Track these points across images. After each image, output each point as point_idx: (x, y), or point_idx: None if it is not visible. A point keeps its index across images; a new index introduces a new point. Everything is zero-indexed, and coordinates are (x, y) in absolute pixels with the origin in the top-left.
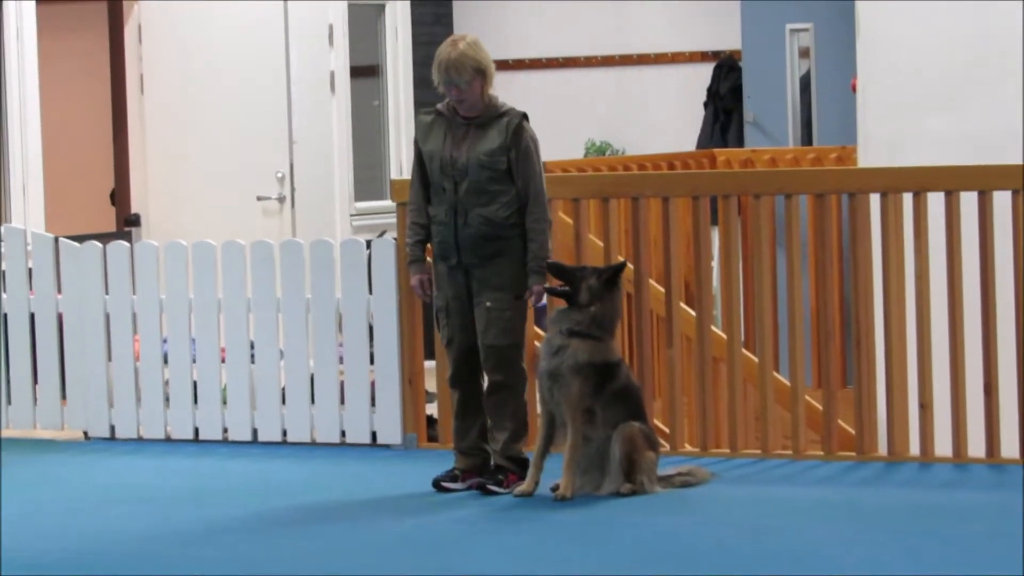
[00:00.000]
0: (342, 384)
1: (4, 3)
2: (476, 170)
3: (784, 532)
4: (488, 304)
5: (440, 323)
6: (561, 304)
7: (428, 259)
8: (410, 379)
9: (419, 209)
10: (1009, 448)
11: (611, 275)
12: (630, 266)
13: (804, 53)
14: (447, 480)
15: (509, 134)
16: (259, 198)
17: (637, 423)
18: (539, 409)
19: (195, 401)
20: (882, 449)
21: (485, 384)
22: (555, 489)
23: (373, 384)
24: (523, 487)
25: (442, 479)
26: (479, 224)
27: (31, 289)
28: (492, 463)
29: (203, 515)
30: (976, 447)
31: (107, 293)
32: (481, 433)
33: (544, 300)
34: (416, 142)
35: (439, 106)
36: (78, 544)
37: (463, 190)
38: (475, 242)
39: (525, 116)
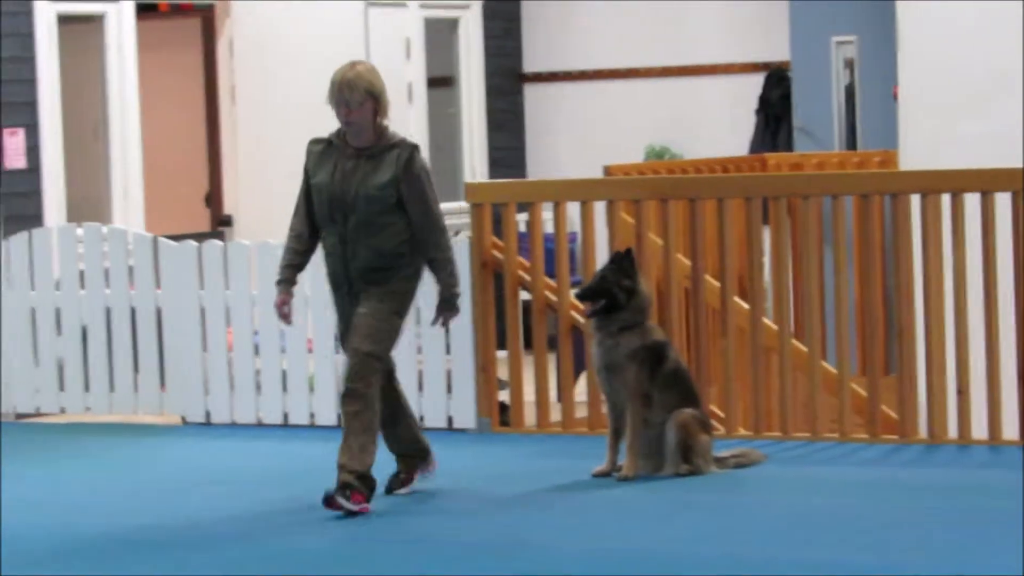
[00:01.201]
0: (421, 372)
1: (106, 20)
2: (365, 203)
3: (832, 510)
4: (362, 310)
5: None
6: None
7: (295, 284)
8: (483, 368)
9: (299, 236)
10: None
11: (629, 267)
12: (686, 261)
13: (849, 64)
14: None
15: (400, 166)
16: None
17: (690, 409)
18: (604, 407)
19: (284, 388)
20: (923, 432)
21: (342, 391)
22: (619, 470)
23: (449, 372)
24: (601, 467)
25: (390, 485)
26: (368, 255)
27: (132, 285)
28: (338, 480)
29: (291, 495)
30: (1011, 430)
31: (202, 289)
32: (409, 431)
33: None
34: (305, 171)
35: (330, 135)
36: (176, 521)
37: (352, 223)
38: (364, 273)
39: (416, 148)
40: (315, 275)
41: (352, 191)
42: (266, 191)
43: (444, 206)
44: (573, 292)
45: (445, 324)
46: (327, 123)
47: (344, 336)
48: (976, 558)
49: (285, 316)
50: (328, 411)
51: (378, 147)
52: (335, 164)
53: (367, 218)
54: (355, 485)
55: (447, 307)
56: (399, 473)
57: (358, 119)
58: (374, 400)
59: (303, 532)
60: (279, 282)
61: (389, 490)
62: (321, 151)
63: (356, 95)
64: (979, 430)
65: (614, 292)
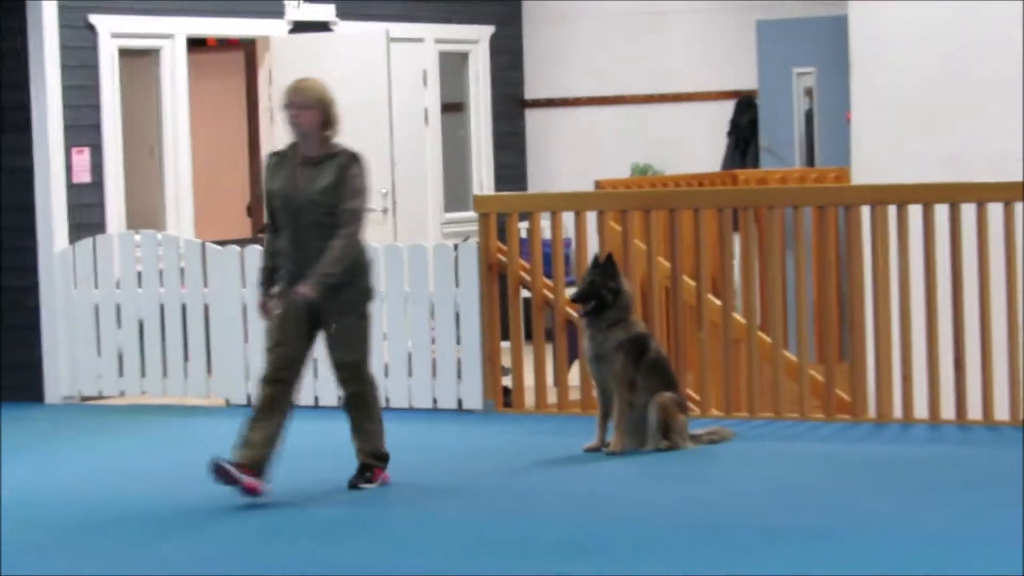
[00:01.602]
0: (434, 360)
1: (161, 54)
2: (311, 206)
3: (793, 479)
4: (333, 327)
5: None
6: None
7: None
8: (489, 356)
9: (269, 241)
10: (975, 411)
11: (612, 271)
12: (666, 264)
13: (808, 91)
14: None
15: (339, 171)
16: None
17: (669, 392)
18: (594, 391)
19: (315, 374)
20: (871, 412)
21: (343, 396)
22: (607, 446)
23: (459, 360)
24: (591, 443)
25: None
26: (318, 255)
27: (183, 284)
28: (359, 462)
29: (320, 468)
30: (948, 410)
31: (244, 287)
32: (271, 433)
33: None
34: (264, 180)
35: (285, 148)
36: (218, 494)
37: (302, 225)
38: None
39: (356, 156)
40: None
41: (300, 195)
42: None
43: (455, 215)
44: (568, 293)
45: (296, 296)
46: (356, 142)
47: (275, 329)
48: (917, 521)
49: (267, 313)
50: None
51: (323, 155)
52: (287, 172)
53: (314, 219)
54: (373, 464)
55: (306, 282)
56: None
57: (304, 123)
58: (372, 393)
59: (326, 499)
60: (259, 284)
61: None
62: (276, 162)
63: (302, 98)
64: (921, 410)
65: (602, 294)
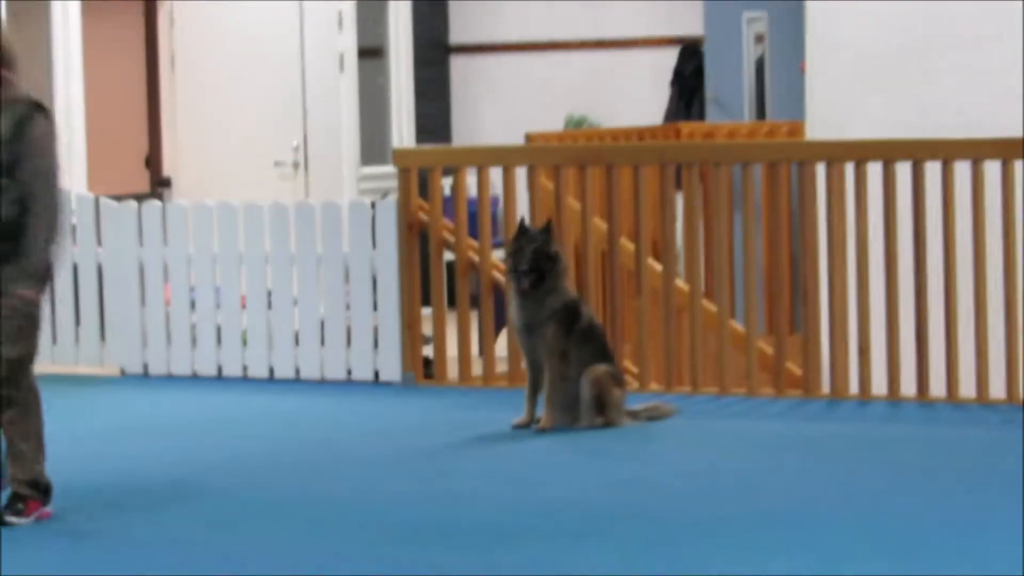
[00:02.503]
0: (349, 328)
1: None
2: None
3: (739, 460)
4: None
5: None
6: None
7: None
8: (409, 324)
9: None
10: (937, 387)
11: (549, 236)
12: (603, 225)
13: (759, 38)
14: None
15: (16, 125)
16: (276, 164)
17: (604, 364)
18: (523, 363)
19: (218, 342)
20: (825, 388)
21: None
22: (537, 422)
23: (376, 328)
24: (520, 419)
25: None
26: None
27: (75, 243)
28: (11, 490)
29: (226, 444)
30: (908, 386)
31: (141, 247)
32: None
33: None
34: None
35: None
36: (114, 471)
37: None
38: None
39: (39, 106)
40: (249, 232)
41: None
42: (203, 154)
43: (373, 170)
44: (495, 256)
45: (16, 301)
46: (264, 90)
47: None
48: (873, 505)
49: None
50: (260, 364)
51: None
52: None
53: None
54: (28, 495)
55: (26, 284)
56: None
57: None
58: (32, 404)
59: (240, 479)
60: None
61: None
62: None
63: None
64: (879, 386)
65: (542, 264)
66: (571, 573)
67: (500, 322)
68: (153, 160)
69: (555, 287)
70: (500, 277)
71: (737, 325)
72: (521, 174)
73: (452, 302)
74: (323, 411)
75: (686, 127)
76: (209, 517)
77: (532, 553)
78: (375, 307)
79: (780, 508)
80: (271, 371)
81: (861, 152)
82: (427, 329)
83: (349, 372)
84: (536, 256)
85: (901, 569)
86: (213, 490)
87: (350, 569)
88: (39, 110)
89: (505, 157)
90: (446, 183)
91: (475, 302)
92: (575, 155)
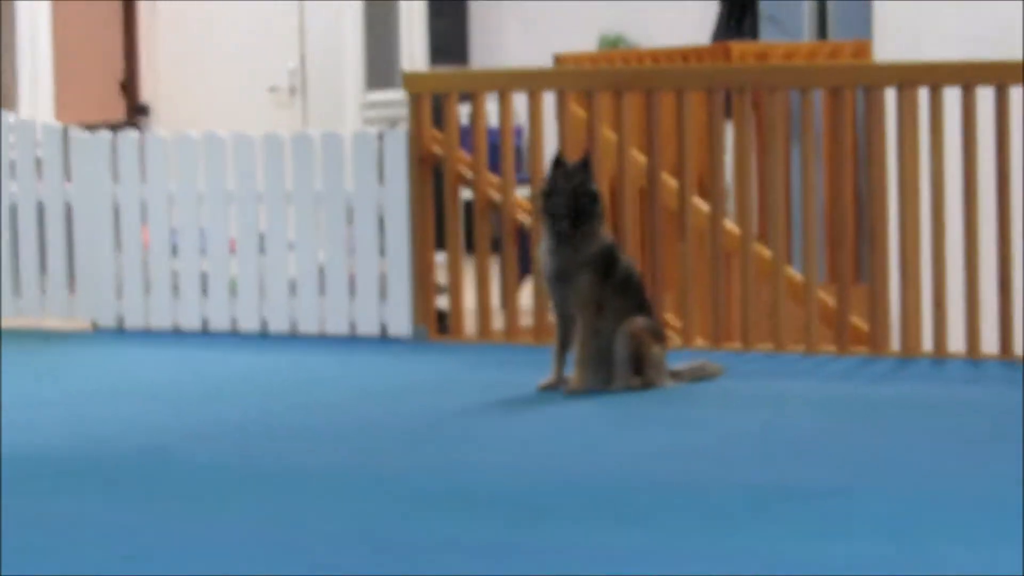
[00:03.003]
0: (352, 276)
1: None
2: None
3: (796, 425)
4: None
5: None
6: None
7: None
8: (420, 272)
9: None
10: (1020, 344)
11: (589, 173)
12: (642, 158)
13: None
14: None
15: None
16: (270, 89)
17: (642, 318)
18: (551, 316)
19: (204, 292)
20: (895, 345)
21: None
22: (566, 383)
23: (383, 276)
24: (547, 379)
25: None
26: None
27: (39, 179)
28: None
29: (212, 408)
30: (990, 344)
31: (116, 183)
32: None
33: None
34: None
35: None
36: (85, 439)
37: None
38: None
39: None
40: (239, 167)
41: None
42: (187, 78)
43: (379, 96)
44: (519, 194)
45: None
46: (256, 4)
47: None
48: (949, 479)
49: None
50: (251, 317)
51: None
52: None
53: None
54: None
55: None
56: None
57: None
58: None
59: (228, 448)
60: None
61: None
62: None
63: None
64: (956, 343)
65: (583, 207)
66: (605, 553)
67: (524, 269)
68: (129, 84)
69: (592, 231)
70: (525, 218)
71: (794, 273)
72: (549, 100)
73: (470, 247)
74: (323, 370)
75: (737, 48)
76: (193, 491)
77: (560, 530)
78: (382, 252)
79: (843, 481)
80: (264, 325)
81: (937, 75)
82: (441, 277)
83: (352, 326)
84: (575, 195)
85: (982, 555)
86: (197, 461)
87: (354, 546)
88: None
89: (531, 81)
90: (463, 111)
91: (496, 247)
92: (610, 79)
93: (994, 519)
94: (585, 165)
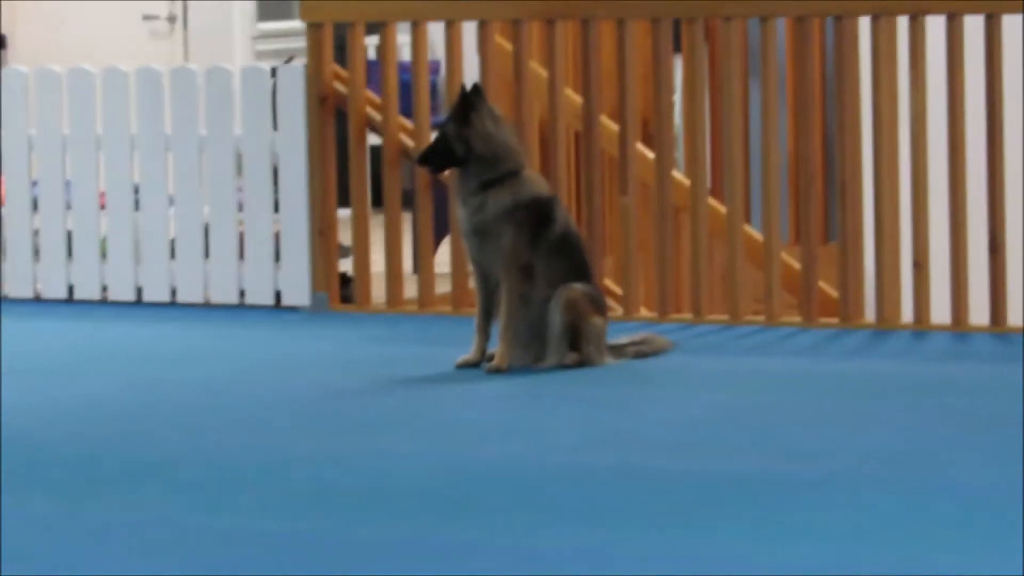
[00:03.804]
0: (241, 236)
1: None
2: None
3: (756, 409)
4: None
5: None
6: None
7: None
8: (321, 230)
9: None
10: (1015, 315)
11: (463, 107)
12: (577, 98)
13: None
14: None
15: None
16: (145, 17)
17: (580, 284)
18: (472, 278)
19: (69, 254)
20: (870, 315)
21: None
22: (490, 359)
23: (278, 236)
24: (467, 356)
25: None
26: None
27: None
28: None
29: (78, 387)
30: (979, 314)
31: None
32: None
33: None
34: None
35: None
36: None
37: None
38: None
39: None
40: (109, 108)
41: None
42: (49, 4)
43: (273, 26)
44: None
45: None
46: None
47: None
48: (936, 470)
49: None
50: (125, 283)
51: None
52: None
53: None
54: None
55: None
56: None
57: None
58: None
59: (96, 435)
60: None
61: None
62: None
63: None
64: (940, 313)
65: (450, 146)
66: (535, 555)
67: (442, 228)
68: None
69: (504, 176)
70: None
71: (753, 232)
72: (470, 31)
73: (378, 201)
74: (207, 344)
75: None
76: (54, 482)
77: (483, 529)
78: (276, 208)
79: (812, 471)
80: (139, 292)
81: (918, 2)
82: (345, 237)
83: (242, 293)
84: (442, 141)
85: (976, 558)
86: (59, 447)
87: (241, 546)
88: None
89: (449, 9)
90: (371, 43)
91: (409, 201)
92: (540, 7)
93: (990, 517)
94: (463, 99)
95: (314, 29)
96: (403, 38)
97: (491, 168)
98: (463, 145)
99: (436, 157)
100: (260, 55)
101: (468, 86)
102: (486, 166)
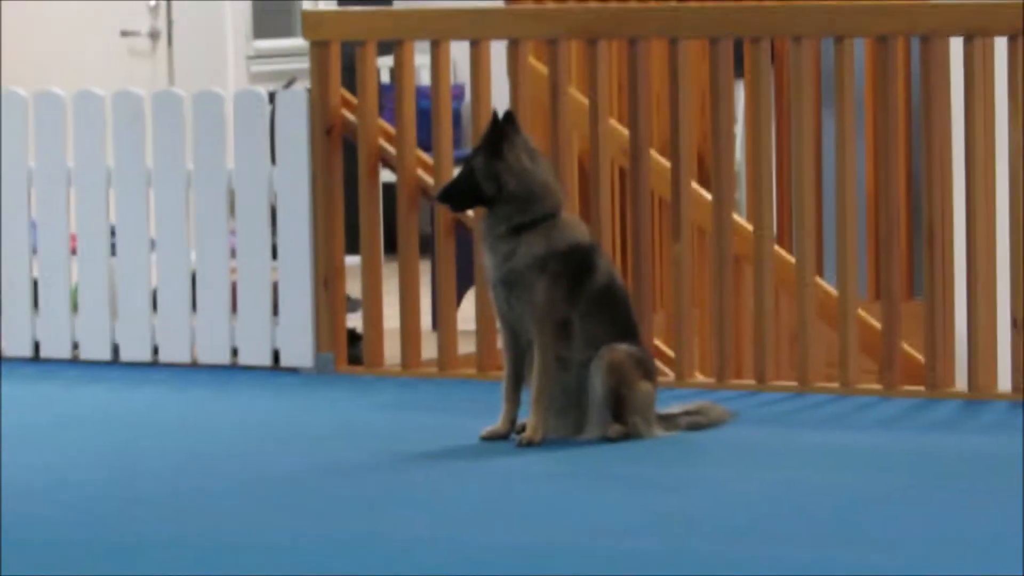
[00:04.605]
0: (234, 286)
1: None
2: None
3: (827, 491)
4: None
5: None
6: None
7: None
8: (326, 280)
9: None
10: None
11: (494, 137)
12: (623, 129)
13: None
14: None
15: None
16: (124, 33)
17: (625, 344)
18: (500, 336)
19: (34, 306)
20: (961, 383)
21: None
22: (520, 431)
23: (276, 286)
24: (494, 426)
25: None
26: None
27: None
28: None
29: (44, 460)
30: None
31: None
32: None
33: None
34: None
35: None
36: None
37: None
38: None
39: None
40: (83, 136)
41: None
42: (13, 17)
43: (272, 44)
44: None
45: None
46: None
47: None
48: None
49: None
50: (98, 340)
51: None
52: None
53: None
54: None
55: None
56: None
57: None
58: None
59: (65, 515)
60: None
61: None
62: None
63: None
64: None
65: (476, 181)
66: None
67: (466, 278)
68: None
69: (538, 219)
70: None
71: (827, 286)
72: (499, 51)
73: (392, 247)
74: (193, 412)
75: None
76: (17, 570)
77: None
78: (274, 254)
79: (886, 564)
80: (115, 351)
81: (1017, 20)
82: (354, 288)
83: (234, 352)
84: (467, 168)
85: None
86: (20, 530)
87: None
88: None
89: (474, 26)
90: (384, 65)
91: (427, 247)
92: (580, 23)
93: None
94: (495, 128)
95: (319, 48)
96: (422, 59)
97: (524, 210)
98: (493, 182)
99: (460, 194)
100: (256, 77)
101: (500, 113)
102: (518, 207)
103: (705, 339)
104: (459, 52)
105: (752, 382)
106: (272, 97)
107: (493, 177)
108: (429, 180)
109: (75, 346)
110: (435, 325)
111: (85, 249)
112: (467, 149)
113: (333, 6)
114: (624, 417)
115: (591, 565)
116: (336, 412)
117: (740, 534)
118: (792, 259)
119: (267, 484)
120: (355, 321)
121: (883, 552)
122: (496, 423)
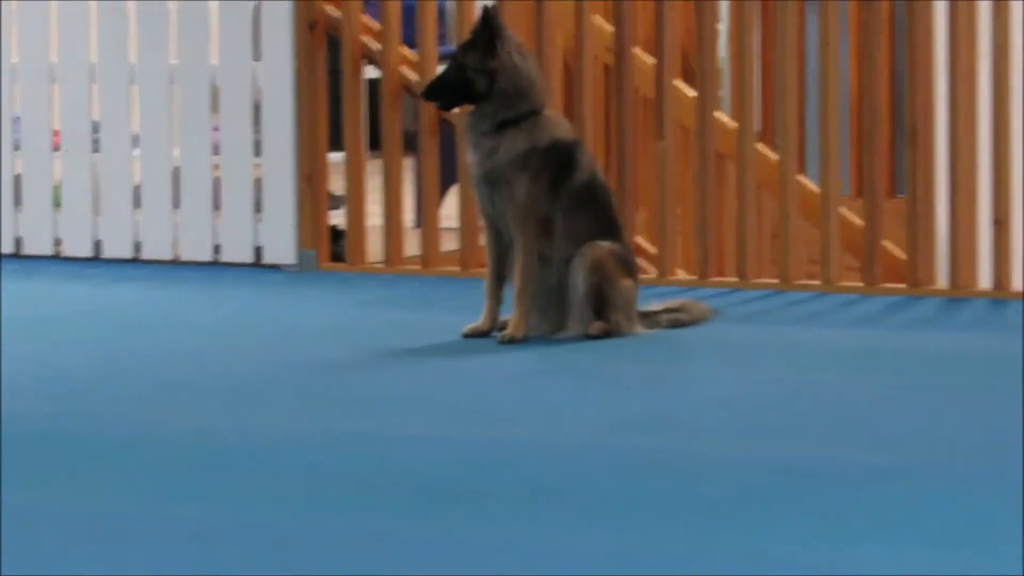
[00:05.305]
0: (217, 182)
1: None
2: None
3: (809, 389)
4: None
5: None
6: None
7: None
8: (309, 177)
9: None
10: None
11: (487, 33)
12: (607, 26)
13: None
14: None
15: None
16: None
17: (608, 241)
18: (483, 233)
19: (17, 203)
20: (942, 280)
21: None
22: (502, 328)
23: (259, 183)
24: (476, 323)
25: None
26: None
27: None
28: None
29: (28, 356)
30: None
31: None
32: None
33: None
34: None
35: None
36: None
37: None
38: None
39: None
40: (65, 33)
41: None
42: None
43: None
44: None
45: None
46: None
47: None
48: (1011, 460)
49: None
50: (81, 236)
51: None
52: None
53: None
54: None
55: None
56: None
57: None
58: None
59: (49, 410)
60: None
61: None
62: None
63: None
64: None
65: (465, 76)
66: (553, 553)
67: (449, 175)
68: None
69: (522, 115)
70: None
71: (809, 182)
72: None
73: (375, 144)
74: (176, 309)
75: None
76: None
77: (495, 523)
78: (257, 150)
79: (869, 461)
80: (97, 247)
81: None
82: (337, 185)
83: (217, 249)
84: (455, 64)
85: None
86: (8, 428)
87: (222, 543)
88: None
89: None
90: None
91: (411, 144)
92: None
93: None
94: (487, 24)
95: None
96: None
97: (510, 106)
98: (486, 78)
99: (448, 91)
100: None
101: (488, 9)
102: (504, 103)
103: (687, 237)
104: None
105: (734, 279)
106: None
107: (486, 73)
108: (413, 76)
109: (57, 242)
110: (418, 222)
111: (68, 146)
112: (451, 46)
113: None
114: (606, 314)
115: (573, 465)
116: (319, 309)
117: (719, 432)
118: (774, 157)
119: (251, 381)
120: (338, 218)
121: (862, 450)
122: (478, 320)
